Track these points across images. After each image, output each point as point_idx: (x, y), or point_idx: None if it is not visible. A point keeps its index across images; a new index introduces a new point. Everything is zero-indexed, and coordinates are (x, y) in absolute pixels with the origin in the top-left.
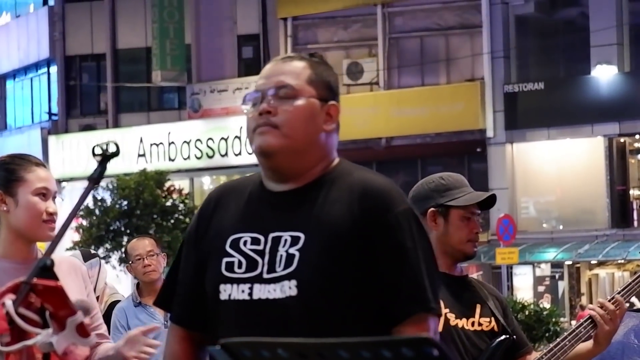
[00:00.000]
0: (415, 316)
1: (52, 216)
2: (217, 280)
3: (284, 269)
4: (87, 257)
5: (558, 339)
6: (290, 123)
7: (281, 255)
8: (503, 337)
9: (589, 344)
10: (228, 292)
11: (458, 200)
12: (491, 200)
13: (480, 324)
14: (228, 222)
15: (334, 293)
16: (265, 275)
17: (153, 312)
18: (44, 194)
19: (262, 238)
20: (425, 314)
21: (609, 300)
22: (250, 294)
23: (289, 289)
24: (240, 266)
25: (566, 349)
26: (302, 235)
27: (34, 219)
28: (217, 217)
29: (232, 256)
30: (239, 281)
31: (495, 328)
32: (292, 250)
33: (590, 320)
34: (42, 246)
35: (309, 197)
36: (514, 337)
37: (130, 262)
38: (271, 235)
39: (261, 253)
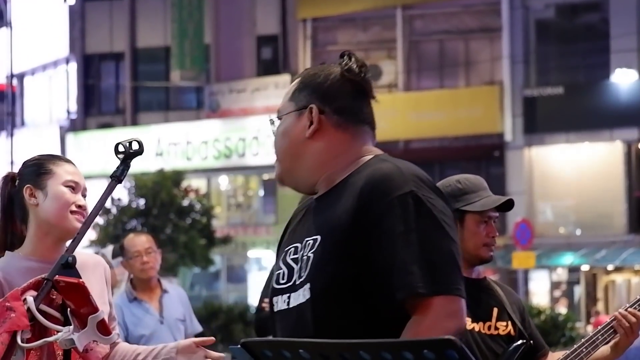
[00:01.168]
0: (409, 303)
1: (80, 209)
2: (272, 295)
3: (303, 272)
4: (116, 254)
5: (575, 345)
6: (276, 149)
7: (307, 258)
8: (520, 342)
9: (605, 351)
10: (277, 303)
11: (474, 205)
12: (509, 203)
13: (496, 328)
14: (287, 238)
15: (338, 293)
16: (296, 282)
17: (148, 307)
18: (73, 187)
19: (299, 245)
20: (419, 299)
21: (627, 310)
22: (288, 303)
23: (306, 292)
24: (283, 277)
25: (582, 356)
26: (318, 238)
27: (63, 208)
28: (287, 232)
29: (280, 268)
30: (282, 292)
31: (512, 332)
32: (309, 254)
33: (608, 328)
34: None
35: (329, 200)
36: (531, 342)
37: (127, 258)
38: (306, 239)
39: (297, 260)
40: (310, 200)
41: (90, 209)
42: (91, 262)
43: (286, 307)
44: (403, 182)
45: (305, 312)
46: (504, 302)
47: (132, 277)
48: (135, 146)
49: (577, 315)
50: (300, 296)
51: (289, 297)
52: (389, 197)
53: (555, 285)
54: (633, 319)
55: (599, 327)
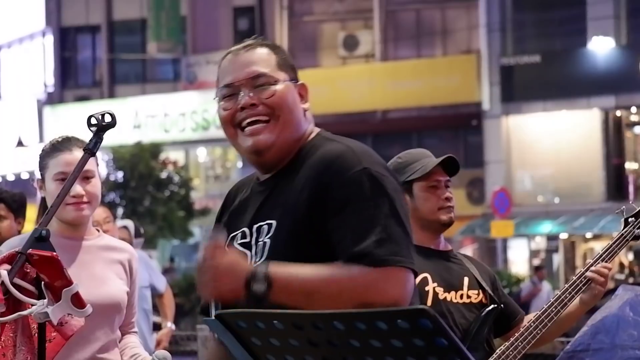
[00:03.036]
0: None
1: (74, 198)
2: None
3: (261, 257)
4: (137, 234)
5: (544, 306)
6: (280, 108)
7: (263, 244)
8: (491, 307)
9: (574, 305)
10: None
11: (415, 172)
12: (452, 162)
13: (468, 297)
14: (228, 221)
15: None
16: None
17: None
18: (63, 178)
19: (247, 230)
20: (370, 269)
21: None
22: None
23: None
24: None
25: (552, 315)
26: (274, 222)
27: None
28: (224, 218)
29: None
30: None
31: (484, 300)
32: (266, 239)
33: (575, 285)
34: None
35: (282, 182)
36: (502, 306)
37: None
38: (255, 226)
39: (249, 246)
40: (247, 181)
41: (94, 190)
42: (120, 248)
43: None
44: (357, 161)
45: (265, 299)
46: (473, 271)
47: None
48: (107, 119)
49: (557, 283)
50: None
51: None
52: (344, 175)
53: (534, 254)
54: (605, 271)
55: (566, 286)
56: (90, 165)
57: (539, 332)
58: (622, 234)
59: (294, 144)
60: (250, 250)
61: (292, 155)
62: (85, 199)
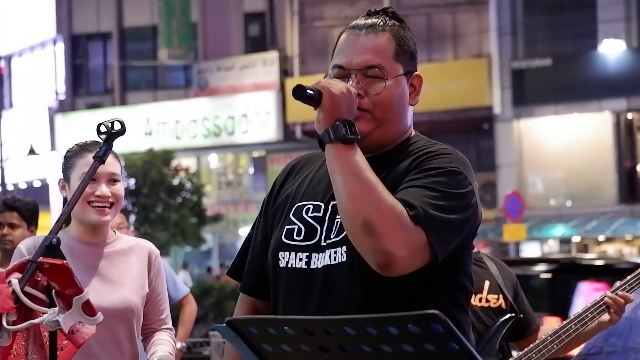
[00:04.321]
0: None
1: (99, 198)
2: (277, 248)
3: (337, 235)
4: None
5: (564, 322)
6: (383, 107)
7: (337, 222)
8: (508, 316)
9: (592, 326)
10: (286, 259)
11: None
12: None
13: (487, 301)
14: (295, 191)
15: None
16: (322, 243)
17: None
18: (92, 178)
19: (322, 205)
20: (407, 216)
21: (616, 290)
22: (307, 263)
23: (340, 255)
24: (299, 234)
25: (571, 332)
26: None
27: (80, 202)
28: (287, 186)
29: (294, 224)
30: (297, 249)
31: (503, 305)
32: None
33: (597, 306)
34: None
35: (376, 167)
36: (521, 315)
37: None
38: (332, 202)
39: (321, 220)
40: (320, 154)
41: (120, 192)
42: (136, 246)
43: (305, 266)
44: (455, 160)
45: (337, 275)
46: (495, 276)
47: None
48: (117, 126)
49: None
50: (329, 258)
51: (308, 257)
52: (437, 160)
53: None
54: (622, 301)
55: (588, 305)
56: (115, 168)
57: (554, 346)
58: None
59: (393, 137)
60: (322, 226)
61: (391, 146)
62: (110, 200)
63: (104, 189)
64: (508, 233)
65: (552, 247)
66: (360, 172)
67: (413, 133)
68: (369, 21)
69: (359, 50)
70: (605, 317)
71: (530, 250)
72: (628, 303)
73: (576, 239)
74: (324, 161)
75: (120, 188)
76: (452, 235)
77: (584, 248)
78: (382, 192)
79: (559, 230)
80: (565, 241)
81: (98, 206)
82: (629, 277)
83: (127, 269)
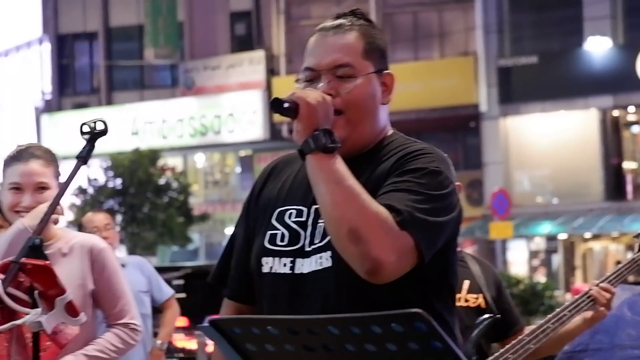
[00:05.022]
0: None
1: (25, 208)
2: (260, 254)
3: (322, 240)
4: None
5: (541, 321)
6: (355, 106)
7: (321, 226)
8: (486, 316)
9: (576, 322)
10: (270, 264)
11: None
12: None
13: (466, 300)
14: (277, 195)
15: None
16: (306, 248)
17: None
18: (17, 187)
19: (305, 210)
20: (394, 221)
21: (600, 286)
22: (292, 268)
23: (325, 260)
24: (282, 239)
25: (548, 332)
26: None
27: (8, 212)
28: (267, 189)
29: (277, 229)
30: (281, 254)
31: (483, 305)
32: None
33: (576, 304)
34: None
35: (355, 169)
36: (499, 315)
37: None
38: (314, 207)
39: (304, 225)
40: (295, 157)
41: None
42: (77, 243)
43: (289, 271)
44: (435, 160)
45: (323, 280)
46: (476, 275)
47: None
48: (100, 126)
49: (556, 284)
50: (314, 263)
51: (292, 262)
52: (419, 160)
53: (533, 254)
54: (608, 295)
55: (566, 304)
56: (42, 176)
57: (532, 346)
58: (634, 259)
59: (369, 138)
60: (305, 231)
61: (368, 147)
62: (23, 211)
63: (27, 200)
64: (495, 231)
65: (539, 245)
66: (343, 180)
67: (390, 132)
68: (337, 22)
69: (327, 50)
70: (588, 313)
71: (517, 247)
72: (612, 295)
73: (563, 236)
74: (304, 163)
75: (48, 196)
76: (438, 236)
77: (571, 245)
78: (366, 199)
79: (546, 227)
80: (551, 238)
81: (17, 211)
82: (609, 274)
83: (67, 269)
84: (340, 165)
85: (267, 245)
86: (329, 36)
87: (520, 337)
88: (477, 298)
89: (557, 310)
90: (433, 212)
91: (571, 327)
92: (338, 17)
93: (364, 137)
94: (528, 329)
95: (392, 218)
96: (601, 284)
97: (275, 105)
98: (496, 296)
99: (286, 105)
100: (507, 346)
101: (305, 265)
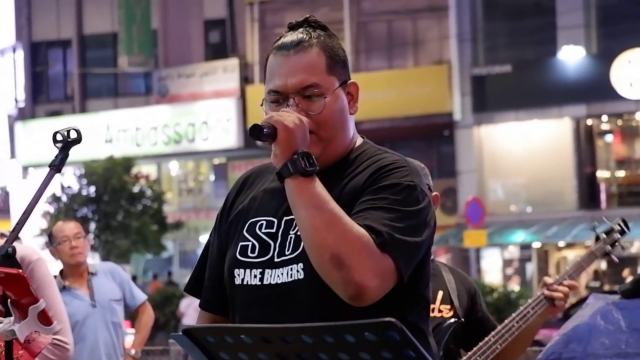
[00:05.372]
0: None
1: None
2: (232, 265)
3: (292, 252)
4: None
5: (506, 321)
6: (326, 125)
7: (291, 238)
8: (452, 320)
9: (536, 320)
10: (241, 276)
11: None
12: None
13: (440, 311)
14: (248, 206)
15: None
16: (276, 259)
17: (79, 294)
18: None
19: (275, 221)
20: (374, 244)
21: (558, 282)
22: (261, 279)
23: (296, 272)
24: (253, 250)
25: (514, 330)
26: None
27: None
28: (239, 201)
29: (248, 240)
30: (251, 266)
31: (453, 315)
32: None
33: (539, 301)
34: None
35: (325, 182)
36: (462, 320)
37: (55, 245)
38: (285, 218)
39: (274, 236)
40: (270, 168)
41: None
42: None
43: (258, 282)
44: (409, 172)
45: (296, 292)
46: (449, 286)
47: (62, 268)
48: (73, 135)
49: (530, 292)
50: (285, 275)
51: (262, 273)
52: (392, 175)
53: (507, 263)
54: (566, 289)
55: (529, 301)
56: None
57: (498, 346)
58: (592, 250)
59: (340, 152)
60: (275, 242)
61: (339, 159)
62: None
63: None
64: (469, 239)
65: (512, 253)
66: (324, 204)
67: (359, 141)
68: (295, 38)
69: (292, 71)
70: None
71: (491, 256)
72: (574, 289)
73: (537, 244)
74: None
75: None
76: (416, 256)
77: (545, 254)
78: (347, 222)
79: (520, 236)
80: (525, 247)
81: None
82: (568, 268)
83: None
84: (319, 188)
85: (238, 256)
86: (290, 56)
87: (486, 339)
88: (450, 308)
89: (521, 308)
90: (411, 231)
91: (530, 324)
92: (292, 28)
93: (336, 151)
94: (494, 331)
95: (372, 241)
96: (564, 282)
97: (254, 132)
98: (470, 305)
99: (266, 131)
100: (475, 348)
101: (275, 276)
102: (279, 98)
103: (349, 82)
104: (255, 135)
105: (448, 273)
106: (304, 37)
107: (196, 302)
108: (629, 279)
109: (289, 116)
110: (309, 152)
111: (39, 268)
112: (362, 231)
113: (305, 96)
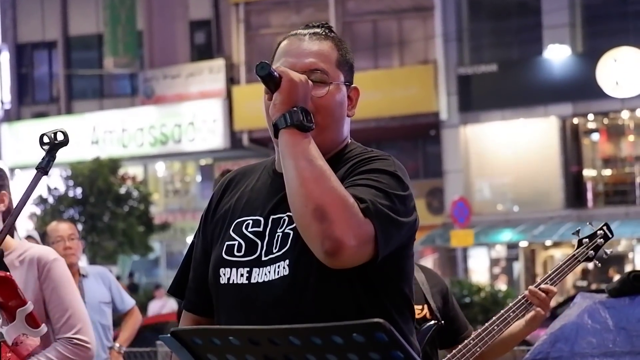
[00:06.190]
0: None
1: None
2: (218, 265)
3: (280, 249)
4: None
5: (487, 323)
6: (325, 110)
7: (278, 236)
8: (432, 322)
9: (519, 325)
10: (227, 275)
11: None
12: None
13: None
14: (234, 206)
15: (326, 270)
16: (263, 258)
17: None
18: None
19: (262, 220)
20: (358, 207)
21: (539, 286)
22: (248, 278)
23: (282, 269)
24: (240, 249)
25: (494, 333)
26: None
27: None
28: (224, 202)
29: (234, 239)
30: (238, 265)
31: (427, 315)
32: (287, 230)
33: (520, 304)
34: None
35: None
36: (442, 322)
37: (49, 244)
38: (272, 217)
39: (261, 235)
40: (254, 168)
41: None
42: (27, 255)
43: (245, 281)
44: (392, 165)
45: (281, 289)
46: (422, 285)
47: None
48: (60, 137)
49: (517, 291)
50: (272, 272)
51: (249, 272)
52: (376, 163)
53: (494, 262)
54: (543, 295)
55: (510, 304)
56: None
57: (478, 349)
58: (574, 255)
59: (331, 145)
60: (262, 241)
61: (328, 156)
62: None
63: None
64: (455, 239)
65: (499, 253)
66: (315, 159)
67: (345, 143)
68: (311, 30)
69: (304, 54)
70: (531, 314)
71: (478, 255)
72: (552, 295)
73: (523, 244)
74: (261, 174)
75: None
76: (396, 233)
77: (532, 253)
78: (335, 181)
79: (507, 235)
80: (512, 246)
81: None
82: (550, 272)
83: (18, 282)
84: (312, 145)
85: (224, 256)
86: (304, 40)
87: (466, 341)
88: (422, 308)
89: (502, 311)
90: (393, 210)
91: (515, 330)
92: (310, 26)
93: (327, 143)
94: (474, 333)
95: (357, 205)
96: (542, 285)
97: (262, 69)
98: (442, 305)
99: (274, 73)
100: (454, 351)
101: (262, 275)
102: None
103: (352, 86)
104: (263, 72)
105: (419, 272)
106: (321, 31)
107: (170, 303)
108: (616, 277)
109: (295, 72)
110: (308, 110)
111: (56, 269)
112: (348, 193)
113: (310, 79)
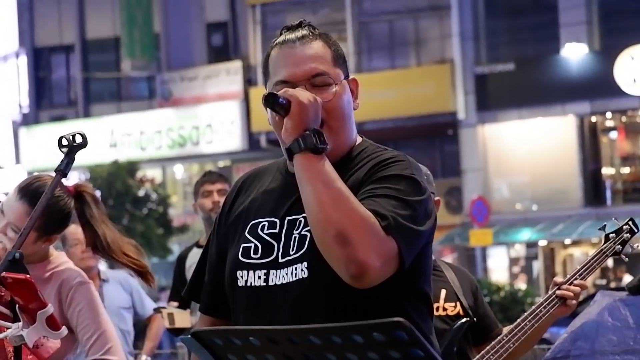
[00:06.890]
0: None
1: None
2: (235, 267)
3: (297, 251)
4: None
5: (519, 320)
6: (336, 113)
7: (295, 238)
8: (464, 319)
9: (546, 321)
10: (245, 278)
11: None
12: None
13: (445, 309)
14: (248, 208)
15: None
16: (280, 260)
17: None
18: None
19: (277, 221)
20: (379, 225)
21: (569, 281)
22: (266, 280)
23: (301, 271)
24: (256, 252)
25: (526, 329)
26: None
27: None
28: (238, 203)
29: (250, 242)
30: (255, 267)
31: (461, 312)
32: (304, 232)
33: (550, 300)
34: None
35: None
36: (474, 319)
37: (67, 247)
38: (288, 218)
39: (277, 237)
40: (267, 169)
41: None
42: (55, 274)
43: (263, 284)
44: (409, 166)
45: (299, 291)
46: (453, 283)
47: None
48: (78, 139)
49: (537, 290)
50: (290, 275)
51: (266, 274)
52: (394, 168)
53: (513, 261)
54: (577, 290)
55: (541, 301)
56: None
57: (511, 345)
58: (602, 250)
59: (347, 146)
60: (279, 242)
61: (341, 156)
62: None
63: None
64: (474, 238)
65: (518, 252)
66: (332, 182)
67: (359, 140)
68: (298, 33)
69: (301, 60)
70: (559, 307)
71: (497, 254)
72: (584, 289)
73: (542, 242)
74: (274, 176)
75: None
76: (418, 243)
77: (551, 252)
78: (354, 202)
79: (526, 234)
80: (531, 245)
81: None
82: (579, 267)
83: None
84: (328, 166)
85: (241, 258)
86: (296, 47)
87: (499, 338)
88: (455, 306)
89: (533, 307)
90: (413, 219)
91: (540, 323)
92: (290, 29)
93: (343, 144)
94: (506, 329)
95: (377, 223)
96: (575, 281)
97: (269, 99)
98: (473, 302)
99: (281, 100)
100: (488, 347)
101: (280, 277)
102: (288, 88)
103: (350, 78)
104: (270, 103)
105: (449, 271)
106: (307, 32)
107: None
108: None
109: (303, 92)
110: (320, 130)
111: (81, 291)
112: (369, 213)
113: (314, 85)
